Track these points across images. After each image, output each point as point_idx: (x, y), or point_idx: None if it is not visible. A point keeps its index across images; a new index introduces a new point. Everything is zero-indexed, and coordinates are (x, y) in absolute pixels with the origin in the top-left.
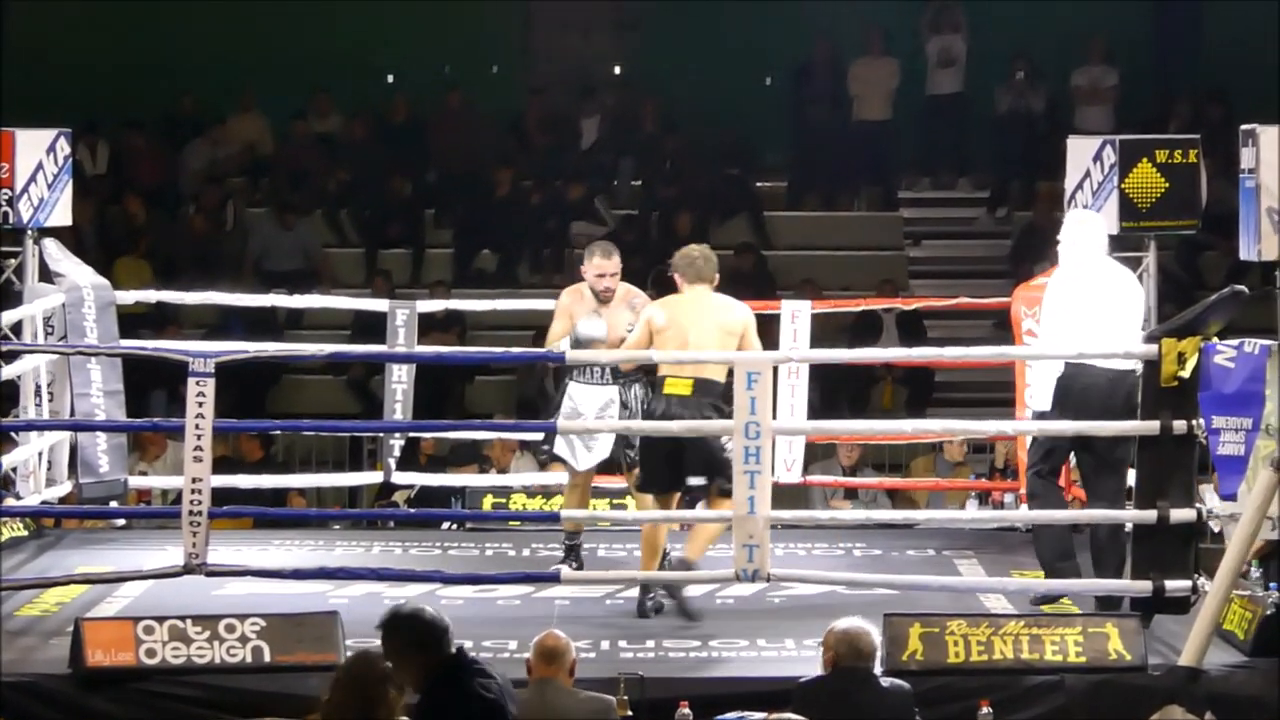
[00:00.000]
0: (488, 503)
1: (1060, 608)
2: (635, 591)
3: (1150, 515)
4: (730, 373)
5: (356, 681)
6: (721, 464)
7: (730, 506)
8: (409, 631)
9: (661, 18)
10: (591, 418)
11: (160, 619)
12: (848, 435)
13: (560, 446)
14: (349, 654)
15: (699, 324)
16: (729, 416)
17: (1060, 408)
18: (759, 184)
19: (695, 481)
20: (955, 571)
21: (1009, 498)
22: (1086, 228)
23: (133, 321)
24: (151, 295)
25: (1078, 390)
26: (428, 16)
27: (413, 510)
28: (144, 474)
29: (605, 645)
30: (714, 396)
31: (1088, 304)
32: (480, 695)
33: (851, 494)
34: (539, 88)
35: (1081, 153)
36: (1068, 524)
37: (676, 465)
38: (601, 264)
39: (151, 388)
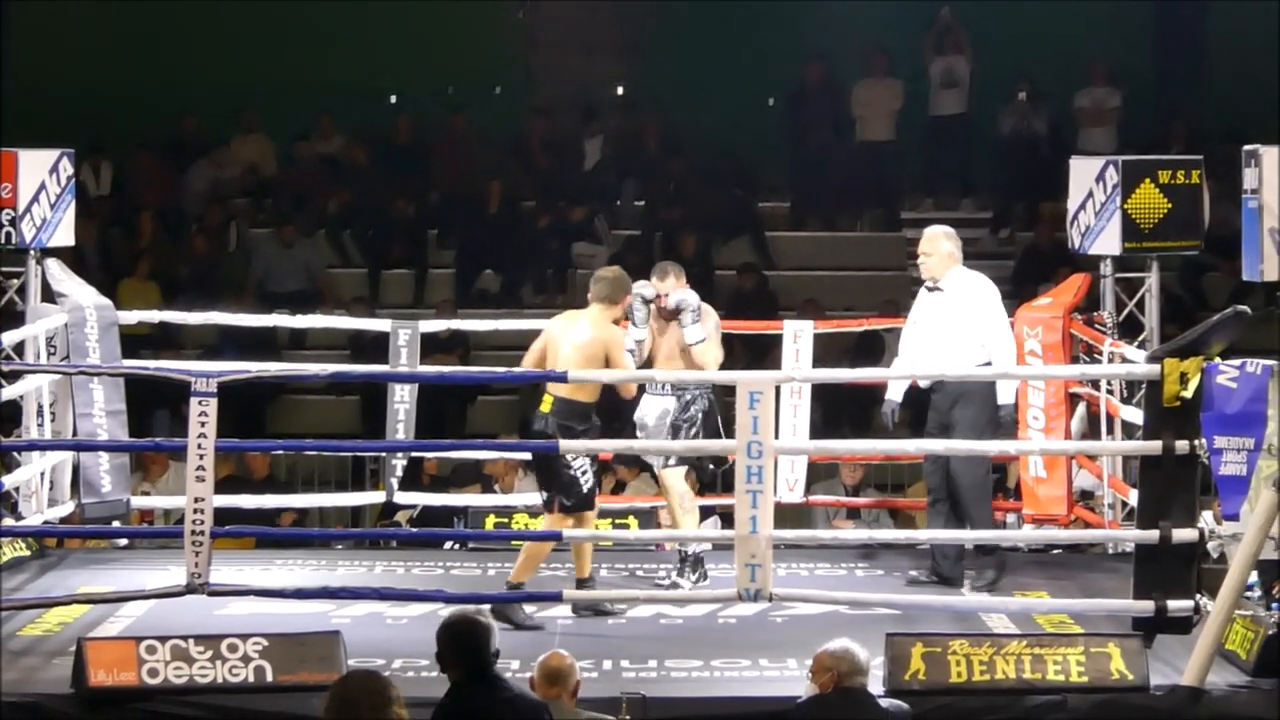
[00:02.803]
0: (490, 522)
1: (1064, 629)
2: (636, 611)
3: (1152, 535)
4: (602, 391)
5: (349, 702)
6: (564, 482)
7: (568, 524)
8: (453, 630)
9: (664, 39)
10: (652, 427)
11: (163, 639)
12: (850, 455)
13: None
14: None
15: (562, 342)
16: (579, 436)
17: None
18: (761, 204)
19: (543, 496)
20: (957, 592)
21: (1011, 518)
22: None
23: (135, 342)
24: (154, 315)
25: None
26: (431, 38)
27: (415, 530)
28: (146, 494)
29: (608, 665)
30: (568, 415)
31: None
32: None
33: (854, 514)
34: (542, 109)
35: (1084, 173)
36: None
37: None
38: (657, 284)
39: (155, 407)
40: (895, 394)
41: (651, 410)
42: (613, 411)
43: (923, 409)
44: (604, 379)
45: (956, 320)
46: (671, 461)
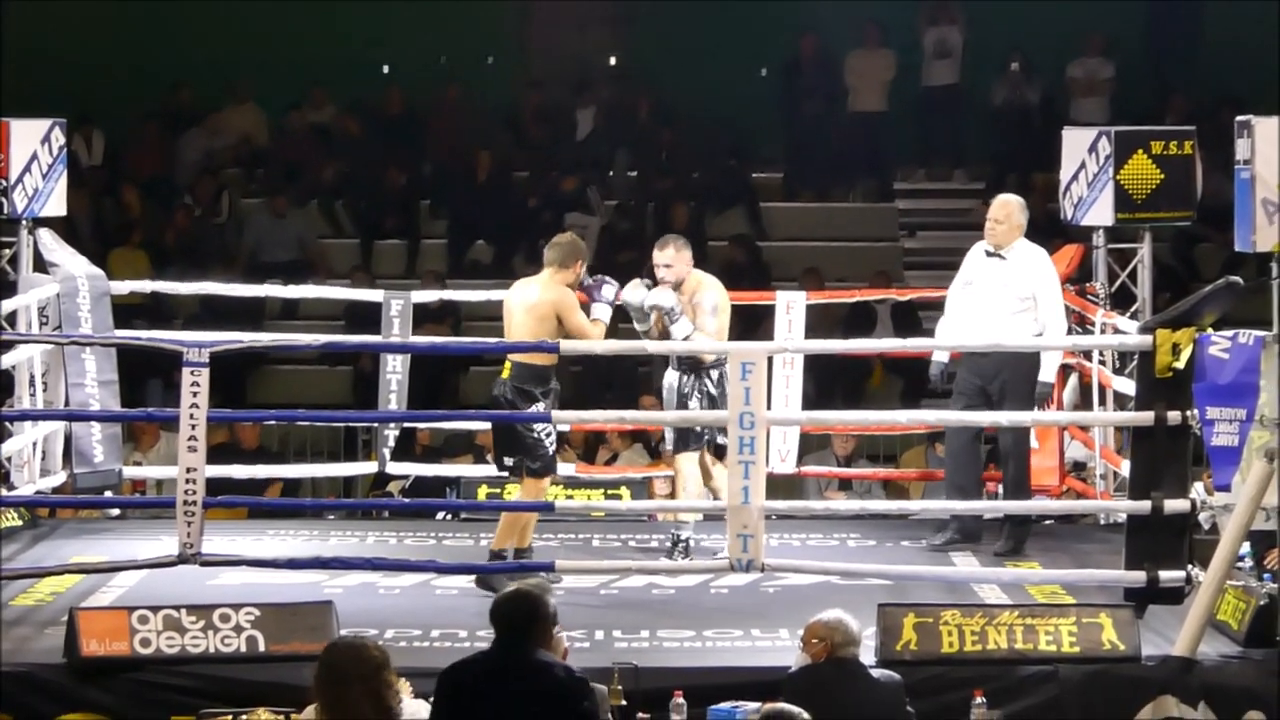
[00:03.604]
0: (482, 493)
1: (1056, 599)
2: (629, 581)
3: (1144, 506)
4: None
5: (336, 668)
6: (528, 446)
7: (537, 488)
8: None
9: (656, 10)
10: (664, 401)
11: (155, 609)
12: (842, 425)
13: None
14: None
15: (515, 308)
16: (535, 400)
17: None
18: (754, 175)
19: (508, 462)
20: (949, 562)
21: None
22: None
23: (127, 312)
24: (146, 285)
25: None
26: (423, 9)
27: (407, 500)
28: (138, 464)
29: (600, 635)
30: (525, 380)
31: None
32: (548, 666)
33: (846, 485)
34: (534, 80)
35: (1077, 144)
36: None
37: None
38: (657, 255)
39: (147, 377)
40: (942, 356)
41: (665, 384)
42: (605, 382)
43: (913, 376)
44: (596, 350)
45: (1017, 290)
46: (689, 445)
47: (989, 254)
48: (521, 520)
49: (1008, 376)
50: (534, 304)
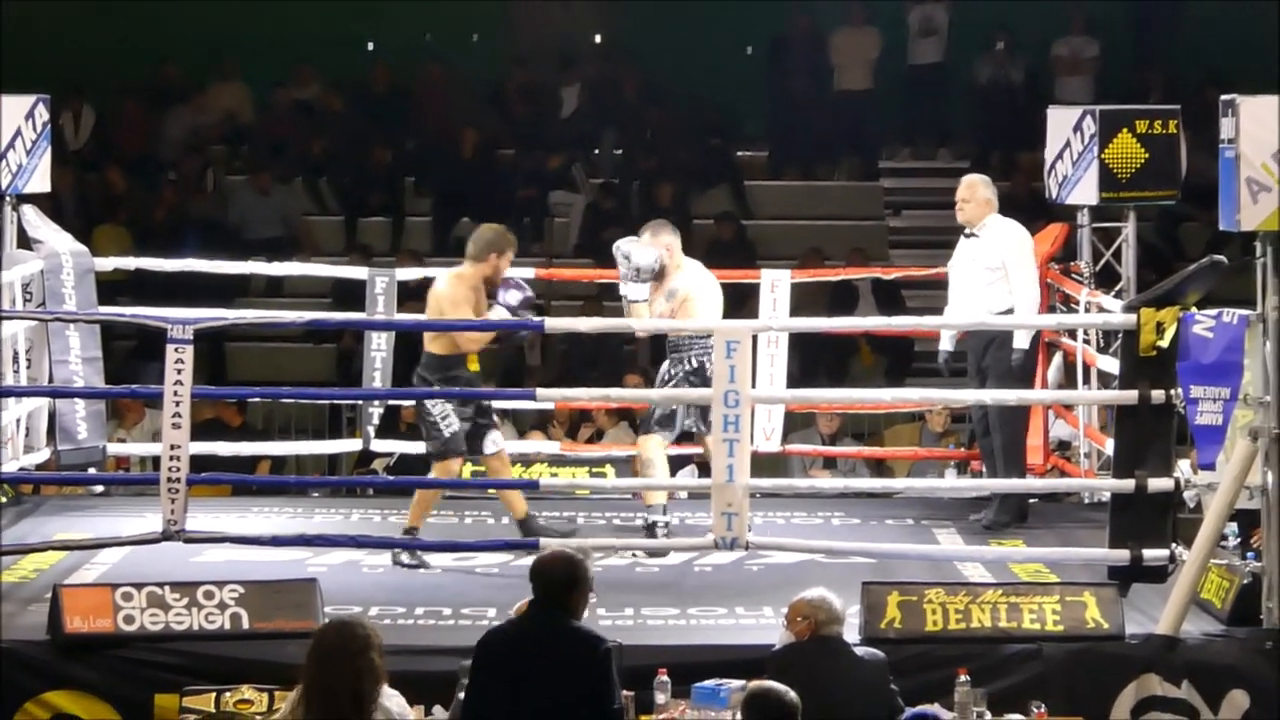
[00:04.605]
0: (467, 470)
1: (1040, 578)
2: (613, 559)
3: (1128, 484)
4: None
5: (336, 651)
6: (426, 428)
7: (445, 470)
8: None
9: None
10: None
11: (139, 585)
12: (827, 404)
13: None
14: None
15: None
16: (433, 386)
17: None
18: (740, 154)
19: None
20: (933, 540)
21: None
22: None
23: (111, 289)
24: (130, 262)
25: None
26: None
27: (391, 478)
28: (122, 441)
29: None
30: (425, 367)
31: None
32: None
33: (830, 463)
34: (520, 57)
35: (1062, 123)
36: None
37: None
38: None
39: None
40: (946, 343)
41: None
42: (590, 360)
43: (897, 355)
44: (582, 328)
45: (986, 263)
46: (657, 429)
47: (966, 235)
48: (430, 497)
49: (994, 351)
50: (432, 294)
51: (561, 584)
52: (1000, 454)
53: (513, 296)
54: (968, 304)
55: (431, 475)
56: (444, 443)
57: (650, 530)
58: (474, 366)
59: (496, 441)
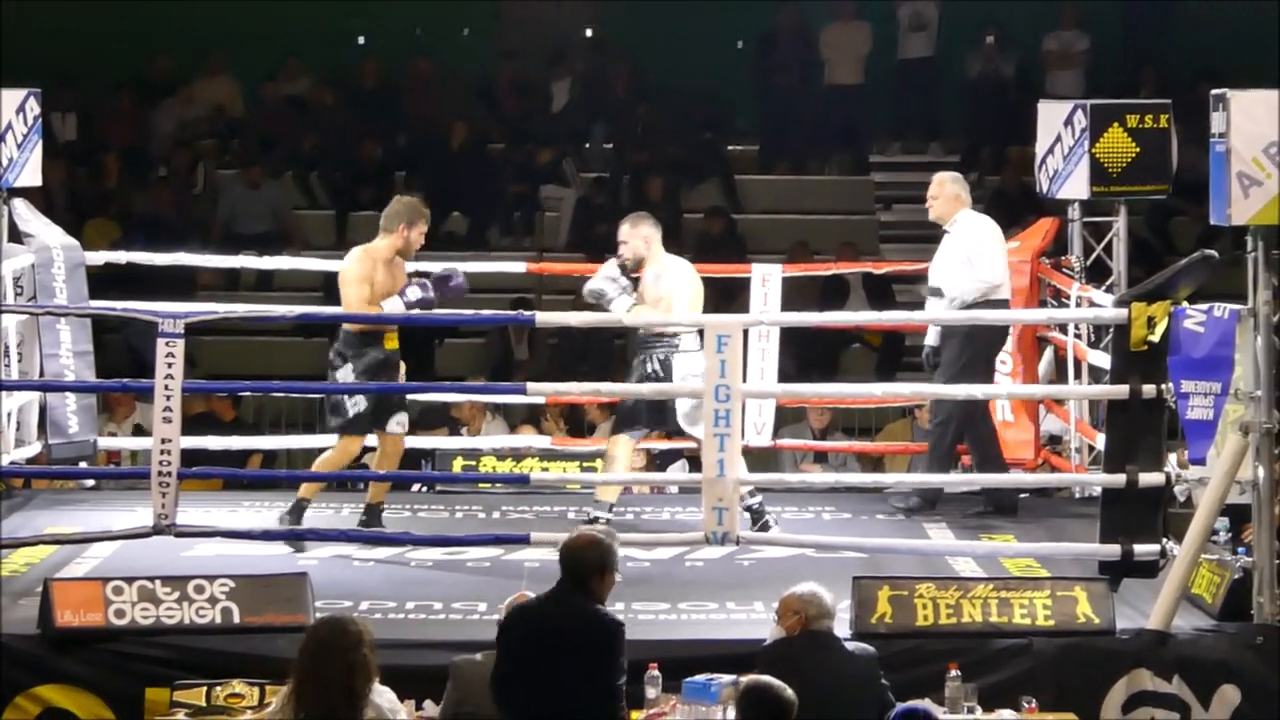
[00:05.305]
0: (457, 465)
1: (1031, 573)
2: None
3: (1119, 479)
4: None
5: (328, 648)
6: (332, 404)
7: (344, 447)
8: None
9: None
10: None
11: (129, 580)
12: (817, 399)
13: None
14: (317, 617)
15: None
16: (345, 362)
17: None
18: (730, 148)
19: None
20: (924, 535)
21: None
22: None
23: (102, 282)
24: (121, 256)
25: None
26: None
27: (382, 473)
28: (113, 435)
29: None
30: (343, 343)
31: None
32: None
33: (821, 458)
34: (510, 51)
35: (1052, 118)
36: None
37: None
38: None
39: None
40: (932, 338)
41: None
42: (580, 354)
43: (888, 349)
44: (572, 322)
45: (953, 261)
46: (625, 428)
47: (944, 232)
48: (329, 465)
49: (946, 347)
50: (341, 271)
51: (590, 568)
52: (931, 437)
53: (411, 292)
54: (932, 301)
55: (331, 452)
56: (346, 421)
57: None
58: (391, 344)
59: (402, 423)
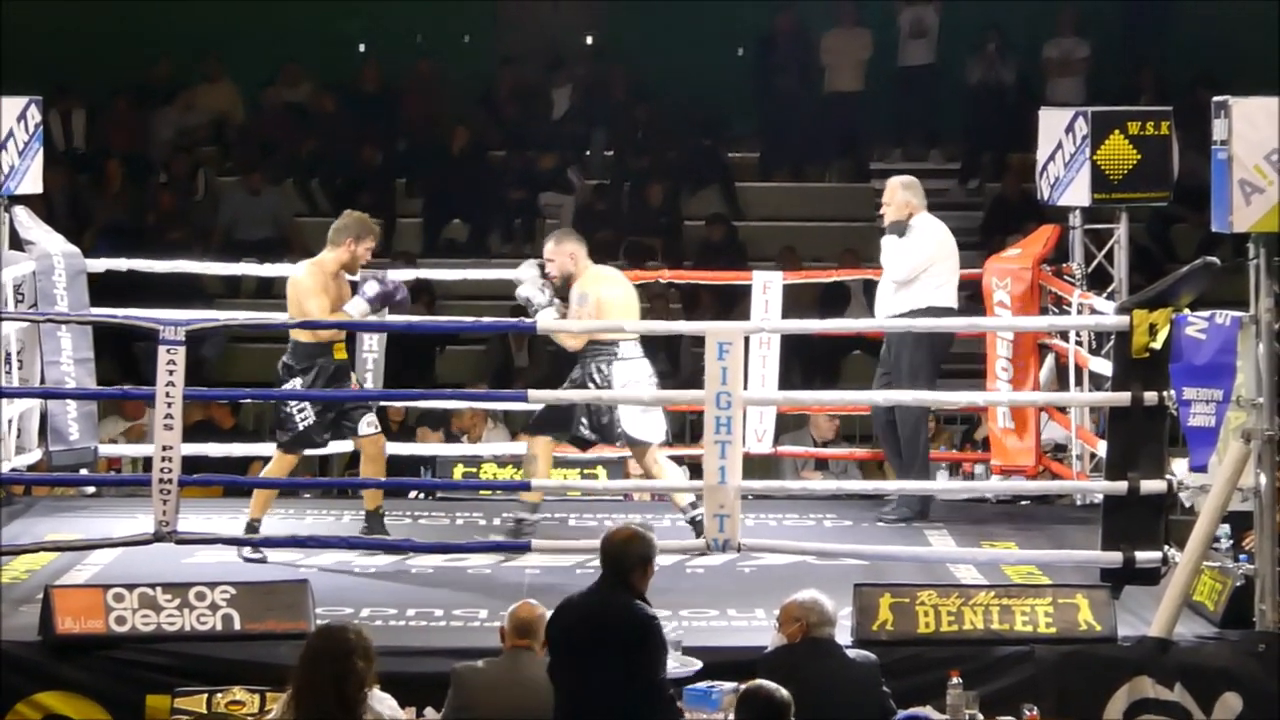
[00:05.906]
0: (457, 472)
1: (1032, 580)
2: None
3: (1121, 486)
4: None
5: (321, 655)
6: (281, 418)
7: (284, 462)
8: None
9: None
10: None
11: (130, 586)
12: (818, 405)
13: None
14: (318, 624)
15: None
16: (294, 375)
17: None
18: (730, 154)
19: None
20: (925, 542)
21: (979, 469)
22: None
23: (113, 290)
24: (122, 264)
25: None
26: None
27: (382, 480)
28: (114, 442)
29: None
30: (290, 355)
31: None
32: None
33: (823, 465)
34: (510, 57)
35: (1053, 124)
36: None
37: None
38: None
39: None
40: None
41: None
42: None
43: None
44: (573, 329)
45: (905, 263)
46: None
47: (884, 235)
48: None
49: (899, 353)
50: (290, 283)
51: (632, 561)
52: (904, 448)
53: (369, 289)
54: (881, 304)
55: (270, 466)
56: (294, 435)
57: (518, 525)
58: (340, 354)
59: (372, 423)
